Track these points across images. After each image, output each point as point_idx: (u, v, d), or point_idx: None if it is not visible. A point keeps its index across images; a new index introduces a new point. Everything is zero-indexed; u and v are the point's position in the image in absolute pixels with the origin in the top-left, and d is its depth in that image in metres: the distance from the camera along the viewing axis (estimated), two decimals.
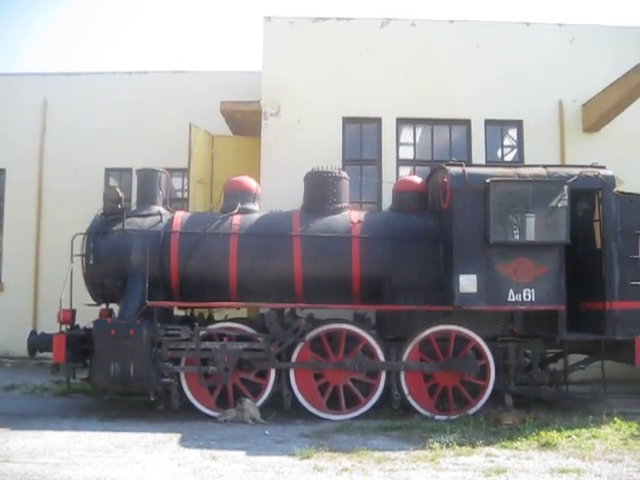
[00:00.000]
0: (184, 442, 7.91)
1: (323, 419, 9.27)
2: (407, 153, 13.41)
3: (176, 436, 8.14)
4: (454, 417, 9.21)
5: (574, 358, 10.56)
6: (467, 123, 13.13)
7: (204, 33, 41.43)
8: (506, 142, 13.57)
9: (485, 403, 9.54)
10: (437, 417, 9.28)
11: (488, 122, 13.16)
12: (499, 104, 13.06)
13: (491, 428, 8.61)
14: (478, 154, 12.89)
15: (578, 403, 10.10)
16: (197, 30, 41.11)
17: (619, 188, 9.76)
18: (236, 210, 10.05)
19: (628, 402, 10.65)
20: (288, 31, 13.19)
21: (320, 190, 10.14)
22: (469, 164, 10.05)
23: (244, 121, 13.45)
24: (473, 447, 7.69)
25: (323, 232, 9.75)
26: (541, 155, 12.17)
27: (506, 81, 13.16)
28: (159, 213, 10.10)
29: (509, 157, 13.56)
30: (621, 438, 8.20)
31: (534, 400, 9.93)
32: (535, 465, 7.06)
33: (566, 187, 9.24)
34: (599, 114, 12.73)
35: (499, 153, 13.53)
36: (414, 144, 13.44)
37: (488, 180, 9.21)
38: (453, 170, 9.51)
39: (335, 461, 7.11)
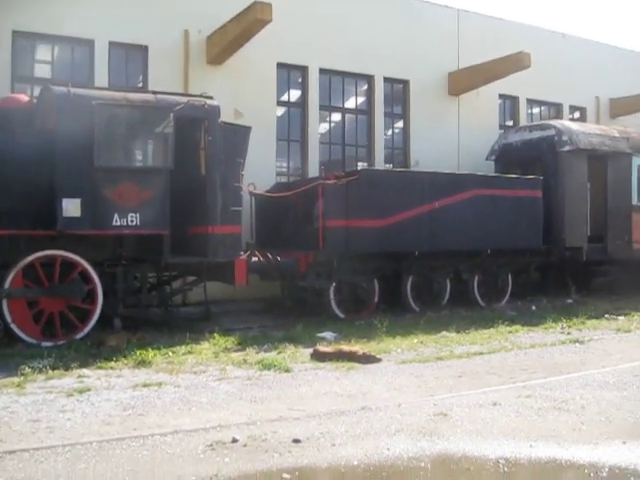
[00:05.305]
0: None
1: None
2: (25, 70, 12.58)
3: None
4: (61, 342, 9.07)
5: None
6: (90, 44, 12.70)
7: None
8: (131, 67, 13.40)
9: (94, 327, 9.53)
10: (44, 344, 9.03)
11: (112, 45, 12.86)
12: (125, 27, 12.79)
13: (93, 351, 8.67)
14: (102, 77, 12.54)
15: (187, 323, 10.55)
16: None
17: (238, 121, 10.24)
18: None
19: (235, 319, 11.54)
20: None
21: None
22: (76, 85, 9.71)
23: None
24: (67, 370, 7.66)
25: None
26: (166, 83, 12.23)
27: (134, 4, 12.93)
28: None
29: (135, 83, 13.44)
30: (214, 352, 8.78)
31: (145, 322, 10.18)
32: (122, 382, 7.26)
33: (172, 114, 9.45)
34: (221, 47, 13.17)
35: (124, 78, 13.32)
36: (33, 61, 12.65)
37: (94, 102, 9.06)
38: (58, 90, 9.18)
39: None
